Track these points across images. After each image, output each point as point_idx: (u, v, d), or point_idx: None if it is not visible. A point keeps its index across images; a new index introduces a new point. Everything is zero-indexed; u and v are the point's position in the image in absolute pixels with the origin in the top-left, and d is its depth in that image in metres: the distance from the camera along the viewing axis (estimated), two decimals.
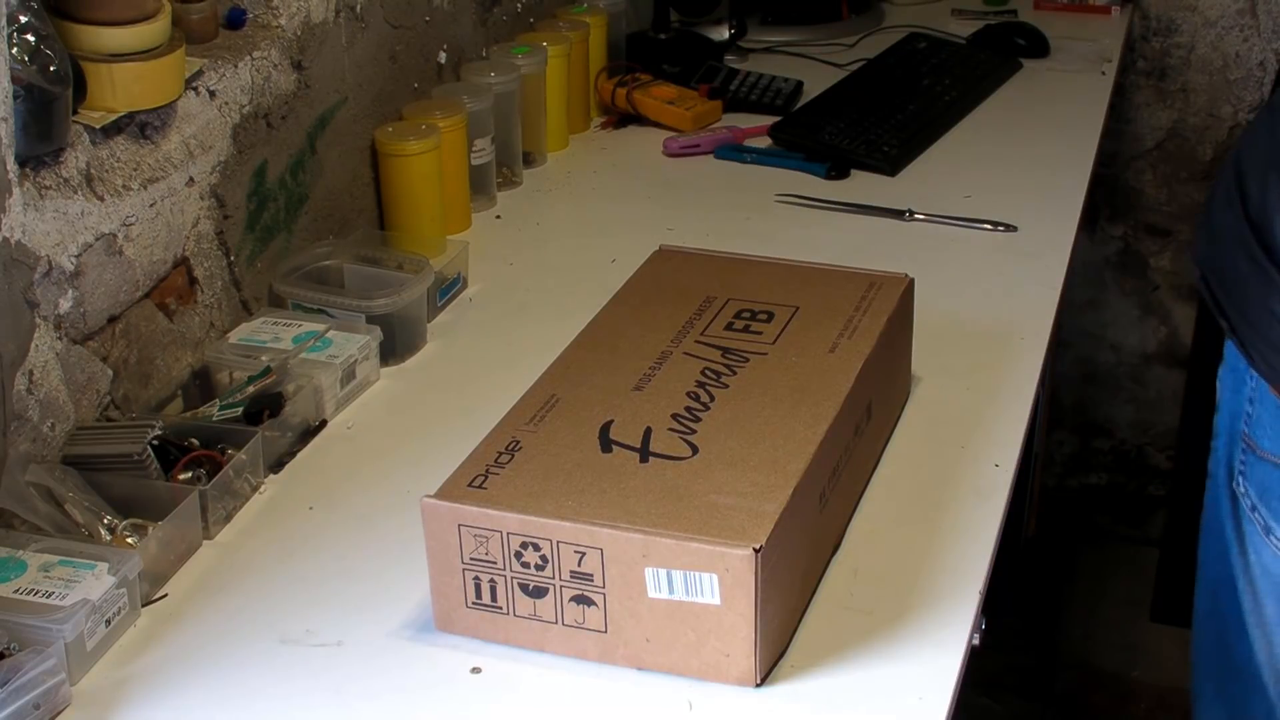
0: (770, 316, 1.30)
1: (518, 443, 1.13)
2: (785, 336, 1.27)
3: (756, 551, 1.00)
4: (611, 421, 1.15)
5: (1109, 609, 2.71)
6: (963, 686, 1.07)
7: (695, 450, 1.12)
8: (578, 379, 1.22)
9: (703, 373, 1.22)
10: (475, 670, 1.09)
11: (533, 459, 1.11)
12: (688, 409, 1.17)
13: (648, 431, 1.14)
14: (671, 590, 1.03)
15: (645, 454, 1.11)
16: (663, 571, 1.03)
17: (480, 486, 1.08)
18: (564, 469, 1.10)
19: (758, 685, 1.05)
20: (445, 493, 1.08)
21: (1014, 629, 2.58)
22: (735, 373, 1.22)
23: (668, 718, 1.04)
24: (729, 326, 1.29)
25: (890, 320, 1.30)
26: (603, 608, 1.05)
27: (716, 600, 1.02)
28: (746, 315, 1.30)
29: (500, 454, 1.12)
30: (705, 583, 1.02)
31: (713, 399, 1.18)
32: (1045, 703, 2.49)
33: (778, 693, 1.05)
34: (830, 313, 1.30)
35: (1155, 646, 2.60)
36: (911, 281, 1.36)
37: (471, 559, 1.07)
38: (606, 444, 1.13)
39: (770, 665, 1.06)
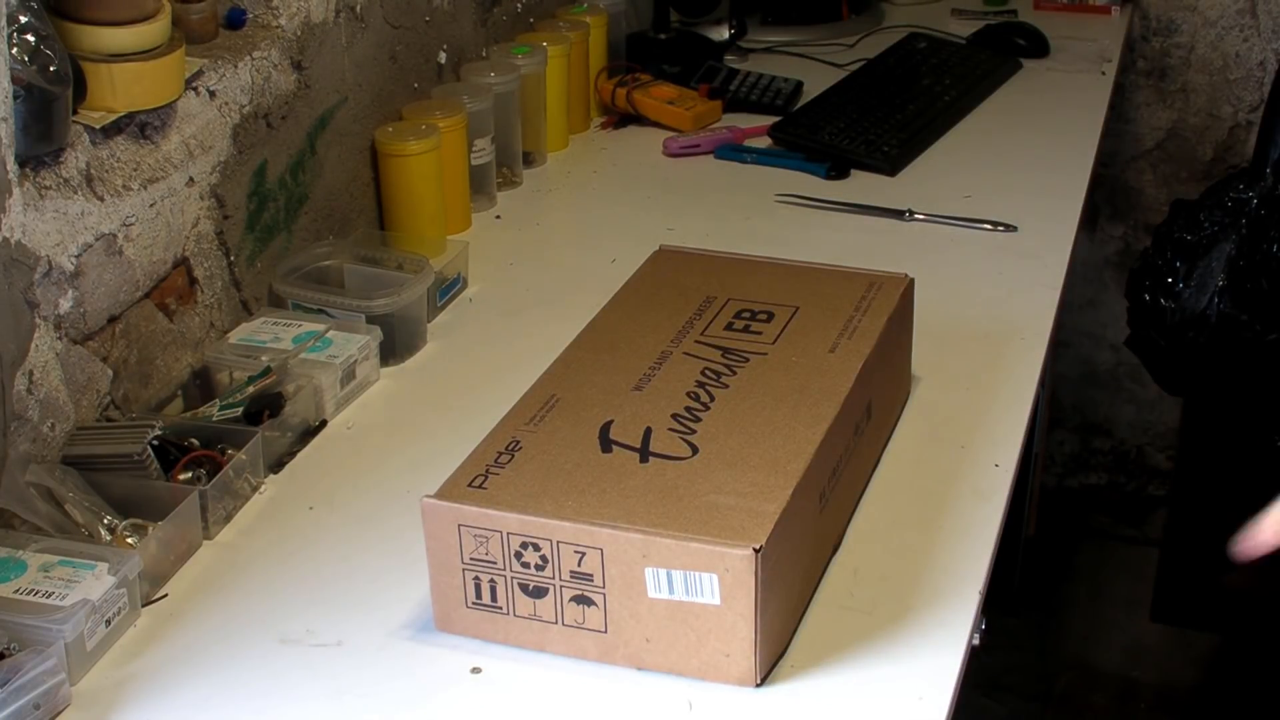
0: (770, 316, 1.30)
1: (518, 443, 1.13)
2: (785, 337, 1.27)
3: (756, 551, 1.00)
4: (611, 421, 1.15)
5: (1109, 609, 2.71)
6: (963, 686, 1.07)
7: (695, 450, 1.12)
8: (578, 379, 1.22)
9: (703, 373, 1.22)
10: (475, 670, 1.09)
11: (533, 459, 1.11)
12: (688, 409, 1.17)
13: (648, 431, 1.14)
14: (671, 590, 1.03)
15: (645, 454, 1.11)
16: (663, 571, 1.02)
17: (480, 486, 1.08)
18: (564, 469, 1.10)
19: (758, 685, 1.05)
20: (445, 493, 1.08)
21: (1014, 629, 2.58)
22: (735, 373, 1.22)
23: (668, 718, 1.04)
24: (729, 326, 1.29)
25: (890, 320, 1.30)
26: (603, 608, 1.05)
27: (716, 600, 1.02)
28: (746, 315, 1.30)
29: (500, 454, 1.12)
30: (705, 583, 1.02)
31: (713, 399, 1.18)
32: (1045, 703, 2.49)
33: (778, 693, 1.05)
34: (830, 313, 1.30)
35: (1155, 646, 2.60)
36: (911, 281, 1.36)
37: (471, 559, 1.07)
38: (606, 444, 1.13)
39: (770, 665, 1.06)
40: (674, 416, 1.16)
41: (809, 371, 1.22)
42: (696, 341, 1.26)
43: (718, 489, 1.07)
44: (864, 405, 1.24)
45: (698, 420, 1.15)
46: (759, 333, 1.28)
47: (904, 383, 1.40)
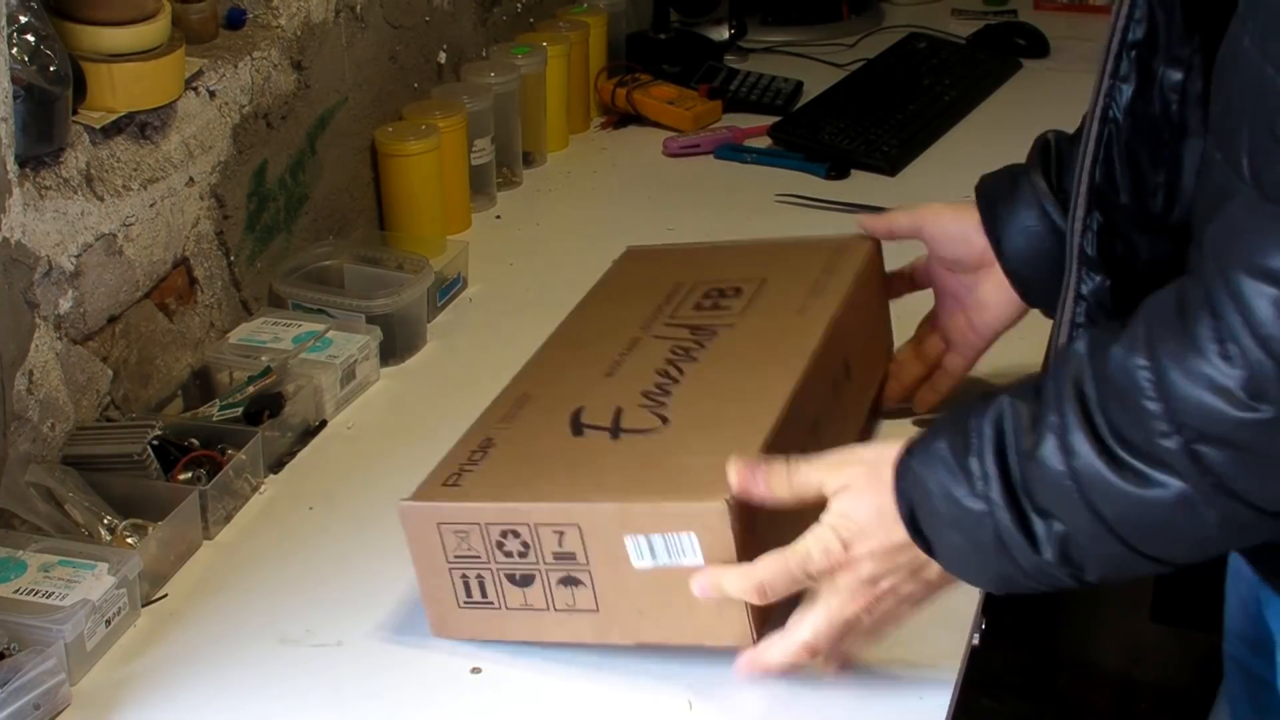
0: (738, 292, 1.29)
1: (490, 441, 1.13)
2: (753, 307, 1.26)
3: (729, 504, 0.99)
4: (583, 408, 1.14)
5: (1109, 609, 2.71)
6: (963, 686, 1.07)
7: (666, 421, 1.11)
8: (549, 375, 1.22)
9: (672, 350, 1.21)
10: (475, 670, 1.09)
11: (506, 453, 1.11)
12: (658, 385, 1.16)
13: (618, 411, 1.13)
14: (654, 556, 1.02)
15: (616, 431, 1.11)
16: (642, 538, 1.02)
17: (455, 485, 1.08)
18: (536, 456, 1.10)
19: (755, 642, 1.03)
20: (421, 494, 1.08)
21: (1014, 629, 2.58)
22: (705, 347, 1.21)
23: (668, 717, 1.04)
24: (698, 307, 1.28)
25: (859, 278, 1.29)
26: (591, 586, 1.05)
27: (700, 560, 1.01)
28: (715, 294, 1.29)
29: (473, 453, 1.11)
30: (685, 544, 1.01)
31: (682, 373, 1.17)
32: (1045, 703, 2.49)
33: (778, 693, 1.05)
34: (797, 278, 1.29)
35: (1155, 646, 2.60)
36: (878, 242, 1.36)
37: (456, 557, 1.07)
38: (578, 429, 1.12)
39: (764, 621, 1.04)
40: (644, 394, 1.15)
41: (778, 333, 1.21)
42: (665, 324, 1.26)
43: (689, 451, 1.06)
44: (840, 362, 1.23)
45: (668, 394, 1.14)
46: (727, 308, 1.27)
47: (885, 344, 1.38)
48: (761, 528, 1.03)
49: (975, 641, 1.10)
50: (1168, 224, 1.07)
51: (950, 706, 1.05)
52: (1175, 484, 0.85)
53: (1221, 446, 0.83)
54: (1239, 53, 0.87)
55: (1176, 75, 1.02)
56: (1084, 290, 1.10)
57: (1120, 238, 1.08)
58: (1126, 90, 1.04)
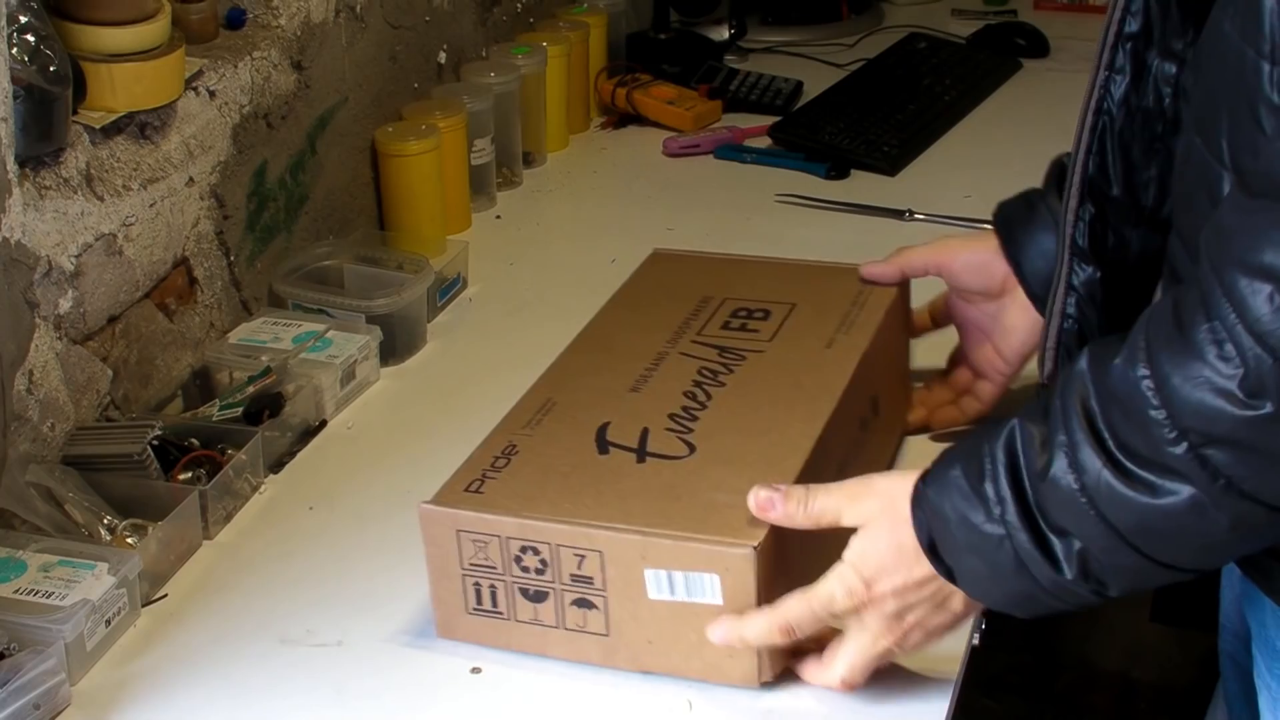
0: (767, 314, 1.30)
1: (514, 447, 1.12)
2: (782, 334, 1.27)
3: (756, 550, 1.00)
4: (608, 423, 1.15)
5: (1109, 609, 2.70)
6: (963, 686, 1.07)
7: (692, 449, 1.11)
8: (573, 382, 1.22)
9: (699, 372, 1.21)
10: (475, 670, 1.09)
11: (529, 462, 1.11)
12: (685, 408, 1.16)
13: (645, 432, 1.13)
14: (673, 591, 1.02)
15: (642, 454, 1.11)
16: (663, 572, 1.02)
17: (477, 491, 1.07)
18: (561, 471, 1.09)
19: (761, 686, 1.05)
20: (442, 498, 1.07)
21: (1014, 629, 2.57)
22: (732, 371, 1.21)
23: (669, 717, 1.04)
24: (725, 326, 1.28)
25: (889, 314, 1.30)
26: (604, 610, 1.05)
27: (719, 601, 1.02)
28: (743, 314, 1.30)
29: (496, 458, 1.11)
30: (706, 583, 1.02)
31: (710, 398, 1.18)
32: (1045, 703, 2.49)
33: (778, 693, 1.05)
34: (827, 308, 1.30)
35: (1155, 646, 2.60)
36: (906, 278, 1.36)
37: (471, 564, 1.07)
38: (603, 445, 1.12)
39: (774, 664, 1.06)
40: (671, 416, 1.15)
41: (806, 367, 1.21)
42: (693, 341, 1.26)
43: (716, 487, 1.06)
44: (867, 399, 1.23)
45: (695, 419, 1.15)
46: (756, 331, 1.27)
47: (908, 383, 1.39)
48: (784, 574, 1.04)
49: (975, 641, 1.10)
50: (1159, 218, 1.07)
51: (950, 706, 1.05)
52: (1186, 490, 0.85)
53: (1227, 448, 0.83)
54: (1220, 37, 0.87)
55: (1170, 68, 1.03)
56: (1075, 281, 1.10)
57: (1112, 230, 1.08)
58: (1121, 82, 1.04)
